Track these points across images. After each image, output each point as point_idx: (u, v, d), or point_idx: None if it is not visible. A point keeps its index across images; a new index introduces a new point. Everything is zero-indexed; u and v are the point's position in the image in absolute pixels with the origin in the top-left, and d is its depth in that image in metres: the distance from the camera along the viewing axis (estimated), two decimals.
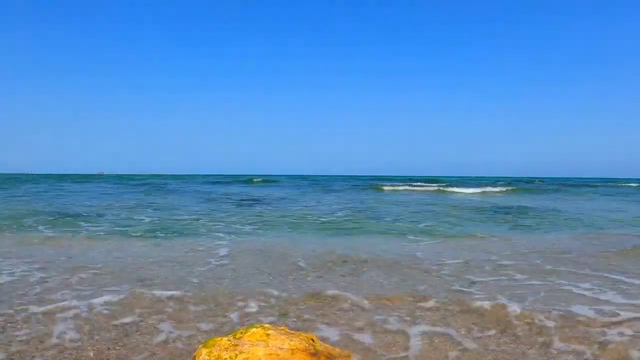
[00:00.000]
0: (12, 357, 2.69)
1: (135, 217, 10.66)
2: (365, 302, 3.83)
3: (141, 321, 3.34)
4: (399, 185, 33.30)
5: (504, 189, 30.13)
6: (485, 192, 27.70)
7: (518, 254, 6.27)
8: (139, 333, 3.11)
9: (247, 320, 3.36)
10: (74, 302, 3.69)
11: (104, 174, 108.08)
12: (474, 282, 4.63)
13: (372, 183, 38.55)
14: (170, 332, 3.13)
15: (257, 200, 17.46)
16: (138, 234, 7.86)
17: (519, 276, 4.91)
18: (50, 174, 79.89)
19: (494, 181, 54.83)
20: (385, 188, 30.56)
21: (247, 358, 2.30)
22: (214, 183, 38.85)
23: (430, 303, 3.81)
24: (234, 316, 3.48)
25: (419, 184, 37.52)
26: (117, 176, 71.51)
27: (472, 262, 5.67)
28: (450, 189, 29.68)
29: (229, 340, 2.45)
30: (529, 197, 23.39)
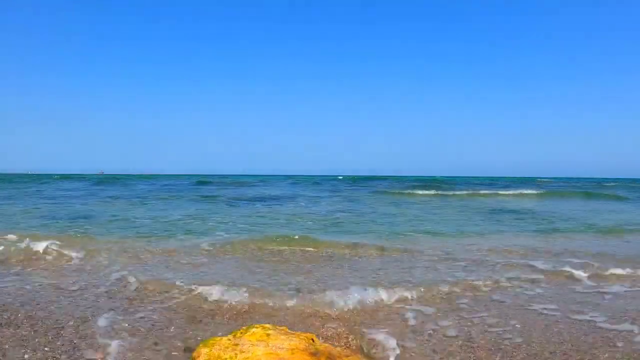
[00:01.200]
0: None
1: (131, 217, 10.66)
2: None
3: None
4: (422, 190, 25.36)
5: (533, 192, 24.49)
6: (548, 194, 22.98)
7: None
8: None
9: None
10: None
11: (104, 173, 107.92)
12: None
13: (374, 184, 37.87)
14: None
15: (258, 201, 17.54)
16: (134, 233, 7.87)
17: None
18: (50, 174, 79.78)
19: (489, 181, 54.55)
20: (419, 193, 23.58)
21: (247, 358, 2.30)
22: (210, 183, 38.83)
23: None
24: None
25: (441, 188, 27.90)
26: (117, 176, 71.44)
27: None
28: (482, 191, 24.51)
29: (229, 340, 2.45)
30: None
